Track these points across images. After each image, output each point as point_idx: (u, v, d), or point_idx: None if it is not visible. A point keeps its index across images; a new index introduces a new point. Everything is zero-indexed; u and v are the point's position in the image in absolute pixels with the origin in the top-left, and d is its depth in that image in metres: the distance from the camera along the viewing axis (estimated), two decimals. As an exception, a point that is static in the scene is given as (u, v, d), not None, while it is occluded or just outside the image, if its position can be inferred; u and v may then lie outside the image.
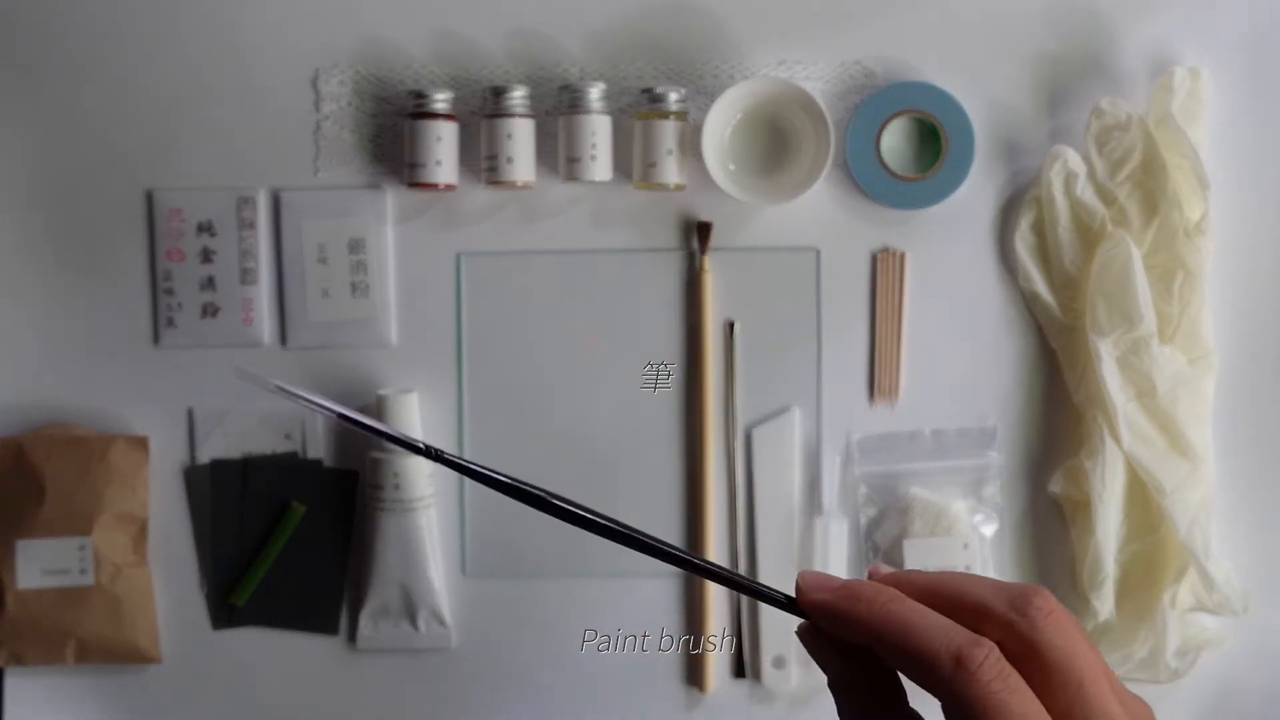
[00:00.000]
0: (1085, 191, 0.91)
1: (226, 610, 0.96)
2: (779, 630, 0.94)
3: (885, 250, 0.95)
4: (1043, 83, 0.94)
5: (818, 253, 0.95)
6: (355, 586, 0.95)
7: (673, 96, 0.92)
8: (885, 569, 0.51)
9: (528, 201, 0.95)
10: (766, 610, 0.94)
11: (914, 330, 0.95)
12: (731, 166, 0.93)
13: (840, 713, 0.49)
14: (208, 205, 0.95)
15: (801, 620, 0.51)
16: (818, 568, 0.94)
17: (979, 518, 0.94)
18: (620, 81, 0.94)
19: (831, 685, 0.50)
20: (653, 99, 0.92)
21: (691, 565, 0.52)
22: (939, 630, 0.46)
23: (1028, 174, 0.95)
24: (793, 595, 0.50)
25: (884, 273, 0.95)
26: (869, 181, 0.94)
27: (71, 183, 0.96)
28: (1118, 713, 0.45)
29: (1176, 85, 0.91)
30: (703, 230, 0.94)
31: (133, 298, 0.96)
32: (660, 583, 0.95)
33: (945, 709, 0.45)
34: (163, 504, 0.96)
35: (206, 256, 0.95)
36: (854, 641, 0.48)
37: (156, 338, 0.96)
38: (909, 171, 0.94)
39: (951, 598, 0.48)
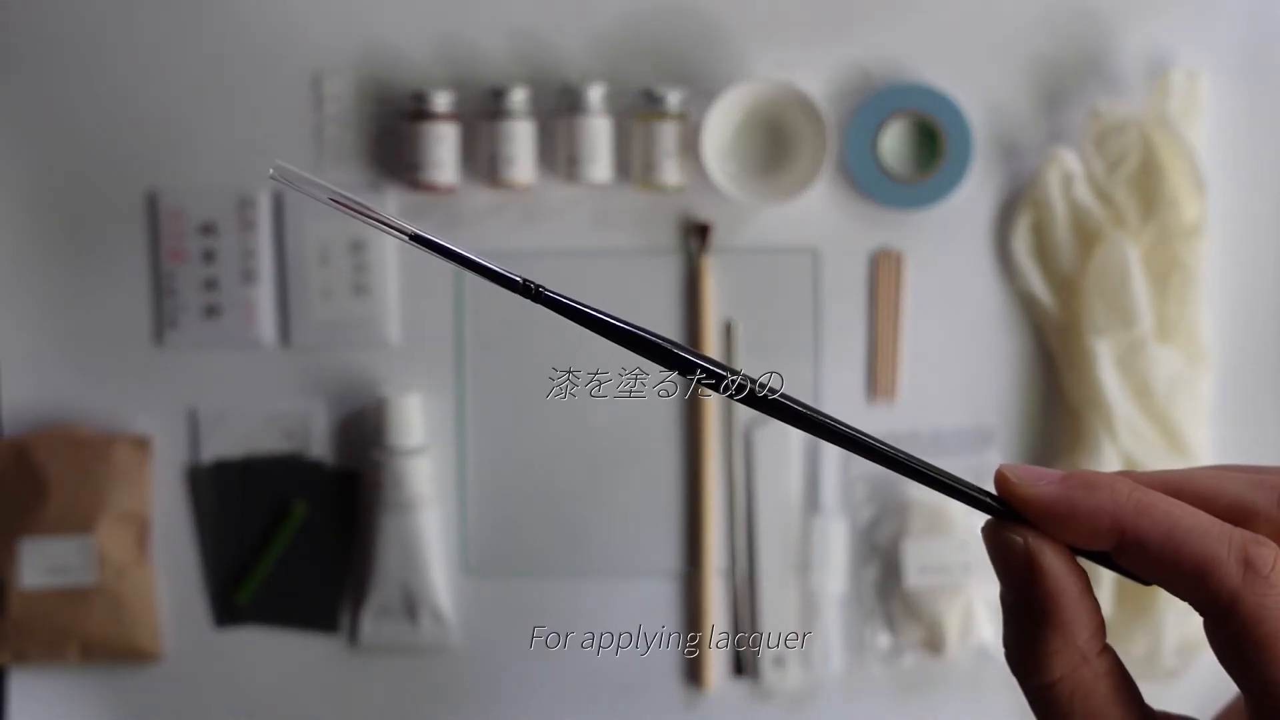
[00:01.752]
0: (1083, 193, 0.92)
1: (229, 609, 0.96)
2: (779, 629, 0.94)
3: (884, 251, 0.95)
4: (1041, 84, 0.95)
5: (817, 253, 0.95)
6: (357, 585, 0.96)
7: (673, 98, 0.92)
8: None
9: (529, 202, 0.95)
10: (767, 608, 0.95)
11: (912, 330, 0.95)
12: (731, 167, 0.94)
13: (1031, 641, 0.38)
14: (210, 206, 0.95)
15: (991, 521, 0.40)
16: (817, 567, 0.94)
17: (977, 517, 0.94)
18: (621, 83, 0.95)
19: (1018, 606, 0.38)
20: (653, 100, 0.92)
21: (869, 449, 0.43)
22: (1214, 526, 0.36)
23: (1026, 175, 0.95)
24: (994, 493, 0.40)
25: (883, 273, 0.95)
26: (868, 182, 0.94)
27: (74, 183, 0.96)
28: None
29: (1174, 87, 0.91)
30: (701, 232, 0.94)
31: (135, 298, 0.96)
32: (660, 582, 0.96)
33: (1220, 626, 0.36)
34: (165, 504, 0.96)
35: (208, 257, 0.96)
36: (1085, 546, 0.38)
37: (159, 338, 0.96)
38: (907, 172, 0.94)
39: (1199, 496, 0.38)
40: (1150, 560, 0.37)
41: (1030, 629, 0.38)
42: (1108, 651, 0.38)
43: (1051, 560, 0.37)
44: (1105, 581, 0.91)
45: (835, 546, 0.94)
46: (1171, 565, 0.36)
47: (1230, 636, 0.36)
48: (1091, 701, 0.37)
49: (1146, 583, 0.38)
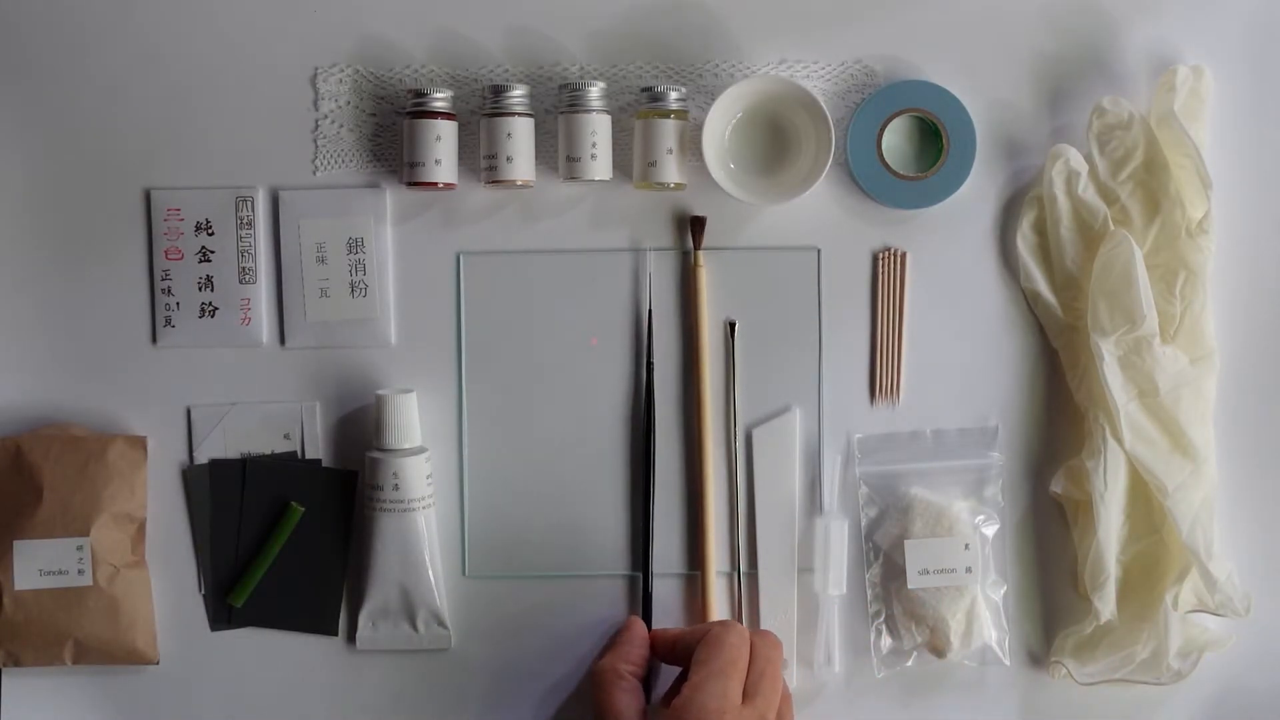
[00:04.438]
0: (1087, 190, 0.91)
1: (225, 611, 0.96)
2: (780, 632, 0.93)
3: (886, 250, 0.95)
4: (1044, 81, 0.94)
5: (818, 252, 0.95)
6: (354, 587, 0.95)
7: (673, 95, 0.91)
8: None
9: (527, 201, 0.95)
10: (767, 610, 0.94)
11: (915, 330, 0.95)
12: (732, 166, 0.93)
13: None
14: (206, 204, 0.95)
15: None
16: (818, 568, 0.94)
17: (980, 518, 0.93)
18: (620, 80, 0.94)
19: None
20: (653, 98, 0.91)
21: None
22: (688, 630, 0.91)
23: (1029, 173, 0.94)
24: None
25: (885, 272, 0.95)
26: (870, 181, 0.94)
27: (69, 182, 0.95)
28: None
29: (1179, 84, 0.90)
30: (696, 225, 0.94)
31: (131, 297, 0.95)
32: (661, 583, 0.95)
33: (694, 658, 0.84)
34: (161, 504, 0.96)
35: (205, 256, 0.95)
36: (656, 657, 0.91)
37: (155, 337, 0.96)
38: (910, 170, 0.94)
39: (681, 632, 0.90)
40: (667, 648, 0.89)
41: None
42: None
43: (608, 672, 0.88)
44: (1109, 587, 0.90)
45: (837, 548, 0.94)
46: (674, 645, 0.89)
47: (695, 658, 0.83)
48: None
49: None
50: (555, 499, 0.95)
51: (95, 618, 0.93)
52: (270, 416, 0.95)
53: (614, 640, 0.90)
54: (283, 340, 0.96)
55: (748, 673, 0.83)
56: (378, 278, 0.95)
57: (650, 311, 0.94)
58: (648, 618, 0.94)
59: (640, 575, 0.94)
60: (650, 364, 0.94)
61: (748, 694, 0.82)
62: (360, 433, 0.95)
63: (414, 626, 0.94)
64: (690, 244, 0.94)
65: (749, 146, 0.94)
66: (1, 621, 0.93)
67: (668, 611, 0.95)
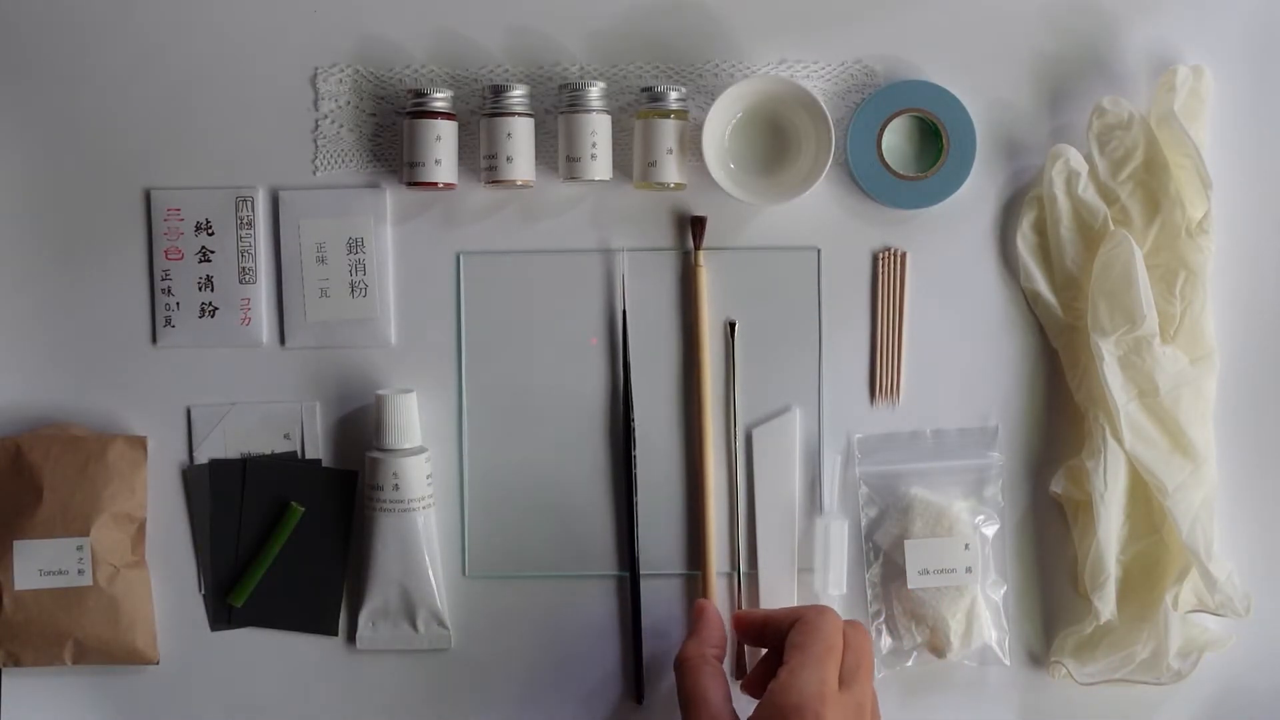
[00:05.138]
0: (1087, 190, 0.91)
1: (225, 611, 0.96)
2: (779, 631, 0.93)
3: (886, 249, 0.95)
4: (1044, 81, 0.94)
5: (818, 252, 0.95)
6: (354, 587, 0.95)
7: (673, 95, 0.91)
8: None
9: (527, 201, 0.95)
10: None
11: (915, 330, 0.95)
12: (732, 166, 0.93)
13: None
14: (206, 204, 0.95)
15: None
16: (818, 568, 0.94)
17: (980, 518, 0.93)
18: (620, 80, 0.94)
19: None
20: (653, 98, 0.91)
21: None
22: (775, 612, 0.88)
23: (1029, 173, 0.94)
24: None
25: (885, 272, 0.95)
26: (870, 181, 0.94)
27: (69, 182, 0.95)
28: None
29: (1179, 84, 0.90)
30: (696, 225, 0.94)
31: (131, 297, 0.95)
32: (662, 583, 0.95)
33: (788, 642, 0.82)
34: (161, 504, 0.96)
35: (205, 256, 0.95)
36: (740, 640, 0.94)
37: (154, 337, 0.96)
38: (910, 171, 0.94)
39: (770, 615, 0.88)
40: (754, 630, 0.88)
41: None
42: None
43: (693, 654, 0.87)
44: (1109, 587, 0.90)
45: (837, 548, 0.94)
46: (763, 627, 0.87)
47: (790, 642, 0.81)
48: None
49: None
50: (555, 499, 0.95)
51: (95, 618, 0.93)
52: (270, 416, 0.95)
53: (692, 628, 0.89)
54: (283, 340, 0.96)
55: (842, 660, 0.81)
56: (378, 278, 0.95)
57: (624, 312, 0.94)
58: (637, 617, 0.94)
59: (639, 575, 0.95)
60: (627, 364, 0.94)
61: (844, 681, 0.80)
62: (360, 433, 0.95)
63: (414, 626, 0.94)
64: (690, 244, 0.95)
65: (749, 146, 0.94)
66: (1, 621, 0.93)
67: (669, 611, 0.95)
